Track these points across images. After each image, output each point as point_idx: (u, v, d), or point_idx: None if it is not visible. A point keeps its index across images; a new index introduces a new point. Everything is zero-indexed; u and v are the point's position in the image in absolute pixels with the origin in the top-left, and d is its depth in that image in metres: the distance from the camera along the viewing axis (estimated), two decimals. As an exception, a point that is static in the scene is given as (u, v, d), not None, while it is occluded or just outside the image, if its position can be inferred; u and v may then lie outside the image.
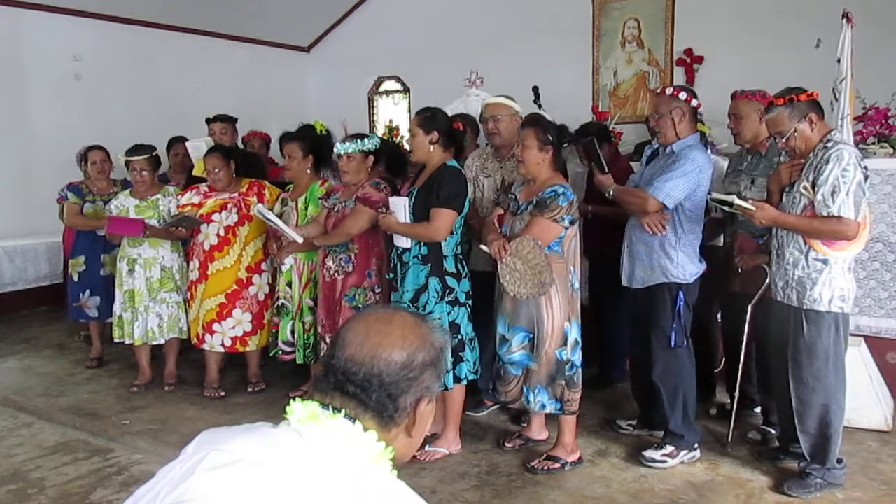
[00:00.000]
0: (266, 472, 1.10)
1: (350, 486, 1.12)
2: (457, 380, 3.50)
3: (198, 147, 4.70)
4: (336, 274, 3.82)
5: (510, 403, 3.56)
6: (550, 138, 3.29)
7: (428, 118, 3.48)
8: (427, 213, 3.40)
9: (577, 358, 3.36)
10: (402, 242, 3.48)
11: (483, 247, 3.38)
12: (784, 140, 3.03)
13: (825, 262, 3.00)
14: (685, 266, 3.37)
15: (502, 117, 3.82)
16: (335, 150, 3.85)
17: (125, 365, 5.04)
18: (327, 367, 1.25)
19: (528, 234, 3.20)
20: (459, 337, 3.49)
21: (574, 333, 3.34)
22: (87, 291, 5.06)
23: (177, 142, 5.56)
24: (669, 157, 3.39)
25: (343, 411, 1.21)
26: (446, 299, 3.44)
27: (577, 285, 3.35)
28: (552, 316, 3.29)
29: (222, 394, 4.46)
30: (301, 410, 1.21)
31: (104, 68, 7.39)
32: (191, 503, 1.07)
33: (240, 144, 5.70)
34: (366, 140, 3.77)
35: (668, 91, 3.43)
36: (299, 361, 4.24)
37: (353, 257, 3.79)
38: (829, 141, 2.99)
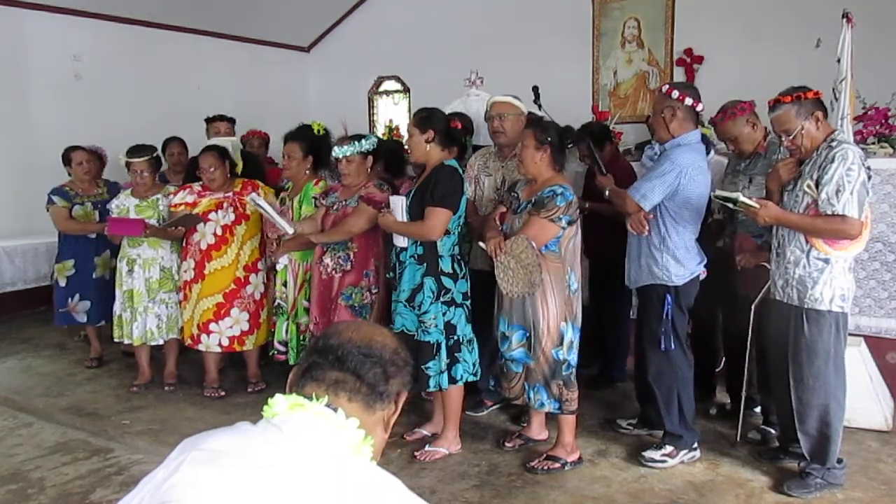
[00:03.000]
0: (248, 466, 1.12)
1: (333, 475, 1.14)
2: (452, 380, 3.49)
3: (225, 146, 4.66)
4: (334, 272, 3.82)
5: (513, 400, 3.56)
6: (548, 138, 3.28)
7: (424, 118, 3.49)
8: (422, 213, 3.40)
9: (573, 358, 3.37)
10: (400, 241, 3.49)
11: (481, 244, 3.39)
12: (790, 138, 3.01)
13: (826, 261, 2.99)
14: (671, 268, 3.33)
15: (508, 116, 3.83)
16: (333, 154, 3.86)
17: (125, 365, 5.04)
18: (325, 348, 1.31)
19: (525, 233, 3.21)
20: (455, 338, 3.48)
21: (570, 334, 3.33)
22: (77, 296, 5.01)
23: (172, 142, 5.55)
24: (660, 156, 3.38)
25: (326, 398, 1.25)
26: (442, 299, 3.43)
27: (574, 286, 3.34)
28: (548, 315, 3.29)
29: (222, 394, 4.46)
30: (283, 402, 1.24)
31: (104, 68, 7.39)
32: (176, 502, 1.08)
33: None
34: (363, 141, 3.77)
35: (663, 89, 3.40)
36: (292, 362, 4.23)
37: (351, 256, 3.80)
38: (832, 140, 2.98)
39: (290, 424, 1.20)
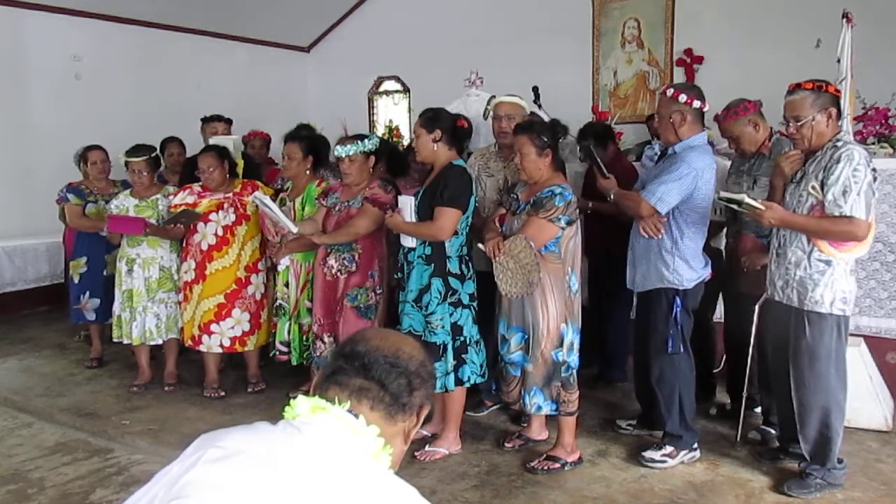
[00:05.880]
0: (265, 466, 1.11)
1: (350, 480, 1.13)
2: (458, 382, 3.49)
3: (225, 145, 4.66)
4: (338, 273, 3.81)
5: (512, 405, 3.56)
6: (546, 141, 3.26)
7: (430, 118, 3.48)
8: (431, 213, 3.40)
9: (573, 360, 3.35)
10: (408, 242, 3.48)
11: (480, 245, 3.38)
12: (798, 125, 2.96)
13: (828, 262, 2.97)
14: (682, 271, 3.32)
15: (516, 117, 3.81)
16: (335, 153, 3.86)
17: (125, 365, 5.04)
18: (351, 354, 1.31)
19: (524, 233, 3.19)
20: (462, 339, 3.48)
21: (570, 335, 3.32)
22: (87, 293, 5.03)
23: (170, 142, 5.55)
24: (670, 158, 3.34)
25: (349, 403, 1.24)
26: (449, 300, 3.43)
27: (575, 287, 3.32)
28: (547, 317, 3.27)
29: (222, 394, 4.45)
30: (305, 404, 1.24)
31: (104, 68, 7.39)
32: (188, 498, 1.08)
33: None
34: (365, 140, 3.76)
35: (669, 93, 3.35)
36: (295, 363, 4.23)
37: (356, 257, 3.79)
38: (838, 141, 2.95)
39: (310, 427, 1.19)
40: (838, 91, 3.01)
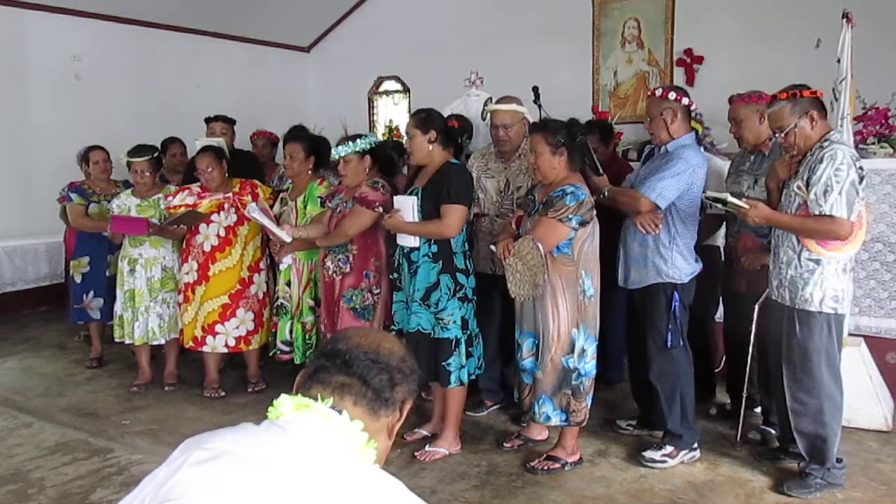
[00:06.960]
0: (251, 466, 1.12)
1: (336, 476, 1.14)
2: (468, 375, 3.52)
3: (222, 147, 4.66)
4: (335, 274, 3.82)
5: (526, 413, 3.56)
6: (561, 140, 3.23)
7: (423, 119, 3.49)
8: (435, 211, 3.40)
9: (584, 366, 3.30)
10: (409, 241, 3.48)
11: (492, 247, 3.37)
12: (783, 135, 3.03)
13: (818, 262, 3.00)
14: (679, 266, 3.35)
15: (514, 126, 3.79)
16: (332, 154, 3.87)
17: (125, 365, 5.04)
18: (332, 352, 1.32)
19: (533, 233, 3.17)
20: (469, 332, 3.51)
21: (581, 341, 3.27)
22: (91, 292, 5.03)
23: (171, 142, 5.55)
24: (664, 157, 3.38)
25: (332, 400, 1.25)
26: (457, 295, 3.45)
27: (590, 292, 3.27)
28: (558, 321, 3.24)
29: (222, 394, 4.46)
30: (288, 402, 1.25)
31: (104, 68, 7.39)
32: (177, 500, 1.08)
33: (239, 144, 5.69)
34: (358, 140, 3.75)
35: (658, 92, 3.42)
36: (298, 361, 4.23)
37: (350, 258, 3.79)
38: (825, 140, 2.99)
39: (295, 425, 1.20)
40: (815, 92, 3.04)
